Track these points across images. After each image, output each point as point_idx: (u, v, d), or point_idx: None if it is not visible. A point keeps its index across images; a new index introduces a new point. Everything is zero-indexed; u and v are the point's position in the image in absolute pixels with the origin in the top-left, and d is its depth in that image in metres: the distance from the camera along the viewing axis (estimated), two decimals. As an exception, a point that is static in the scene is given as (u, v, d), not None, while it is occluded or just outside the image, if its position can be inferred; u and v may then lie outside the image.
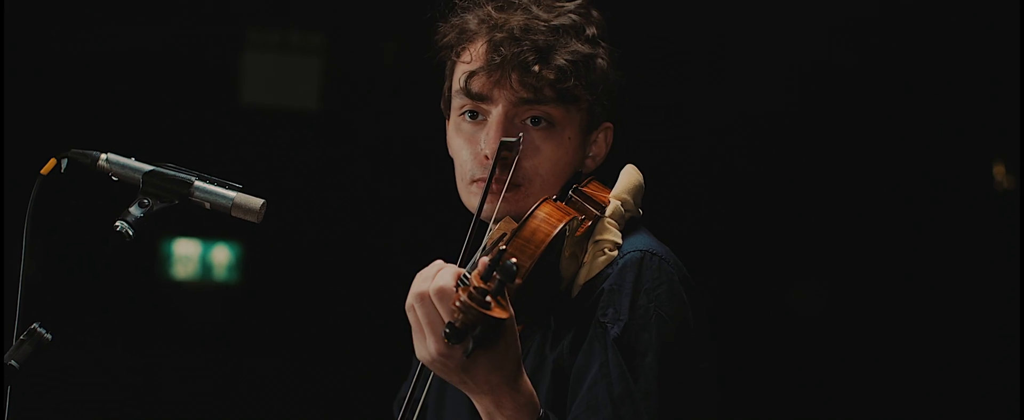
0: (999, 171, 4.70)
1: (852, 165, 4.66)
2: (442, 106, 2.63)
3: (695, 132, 4.74)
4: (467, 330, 2.04)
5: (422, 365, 2.31)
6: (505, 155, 2.41)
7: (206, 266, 5.30)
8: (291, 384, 5.22)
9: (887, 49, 4.53)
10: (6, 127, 4.80)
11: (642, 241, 2.40)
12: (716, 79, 4.74)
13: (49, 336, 2.23)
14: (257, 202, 2.39)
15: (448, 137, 2.62)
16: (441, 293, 2.10)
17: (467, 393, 2.22)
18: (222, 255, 5.30)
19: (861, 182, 4.66)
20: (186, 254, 5.28)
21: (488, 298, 2.02)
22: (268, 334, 5.22)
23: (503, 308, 2.04)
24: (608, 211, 2.42)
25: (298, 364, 5.25)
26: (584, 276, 2.37)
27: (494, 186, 2.43)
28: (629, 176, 2.50)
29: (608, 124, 2.57)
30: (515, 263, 2.01)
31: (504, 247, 2.08)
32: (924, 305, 4.67)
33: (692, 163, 4.77)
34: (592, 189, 2.47)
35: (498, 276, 2.02)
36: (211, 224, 5.15)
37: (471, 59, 2.48)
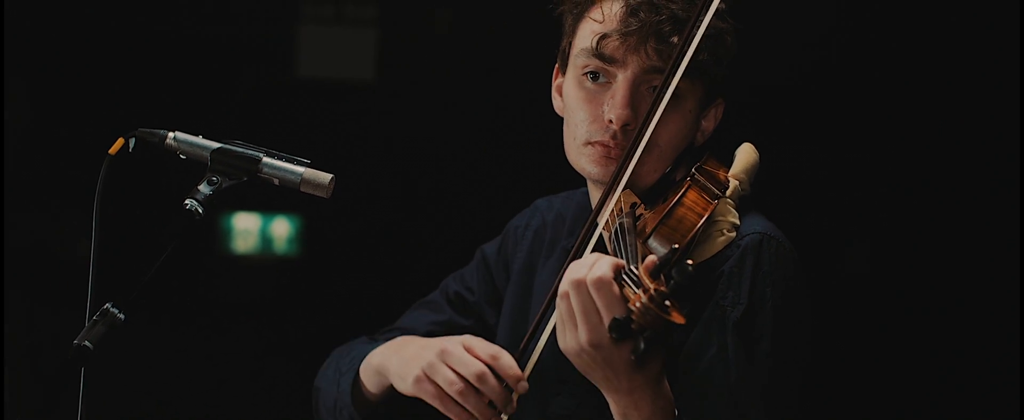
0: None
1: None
2: (558, 60, 2.60)
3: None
4: (640, 332, 2.01)
5: (526, 345, 2.29)
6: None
7: (266, 239, 5.30)
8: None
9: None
10: (71, 108, 4.82)
11: (760, 223, 2.39)
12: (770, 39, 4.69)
13: (122, 316, 2.23)
14: (326, 177, 2.39)
15: (561, 92, 2.58)
16: (599, 283, 2.07)
17: (605, 390, 2.19)
18: (282, 228, 5.31)
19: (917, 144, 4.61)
20: (246, 228, 5.29)
21: (667, 302, 1.99)
22: (329, 307, 5.22)
23: (680, 312, 2.01)
24: (728, 191, 2.40)
25: (358, 336, 5.25)
26: (699, 255, 2.35)
27: (614, 153, 2.41)
28: (747, 154, 2.48)
29: (721, 100, 2.55)
30: (691, 264, 1.98)
31: (677, 246, 2.06)
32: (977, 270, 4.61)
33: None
34: (711, 166, 2.45)
35: (675, 277, 1.99)
36: (270, 197, 5.16)
37: (603, 19, 2.45)
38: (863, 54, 4.55)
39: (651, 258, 2.06)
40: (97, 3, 4.88)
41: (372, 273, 5.19)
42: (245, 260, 5.30)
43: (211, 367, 5.15)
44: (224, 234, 5.27)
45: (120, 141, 2.35)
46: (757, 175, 2.49)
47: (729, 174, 2.43)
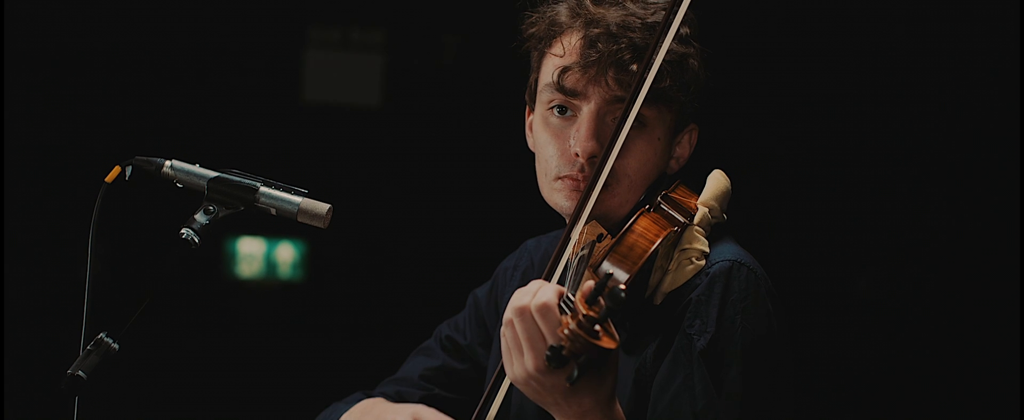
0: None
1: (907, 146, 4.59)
2: (526, 97, 2.58)
3: (742, 118, 4.68)
4: (572, 357, 2.00)
5: (491, 388, 2.28)
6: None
7: (271, 264, 5.30)
8: (358, 382, 5.21)
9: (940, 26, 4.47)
10: (68, 132, 4.82)
11: (730, 250, 2.36)
12: (761, 64, 4.68)
13: (116, 346, 2.22)
14: (323, 207, 2.37)
15: (531, 129, 2.57)
16: (544, 309, 2.05)
17: (558, 416, 2.18)
18: (286, 253, 5.30)
19: (926, 162, 4.59)
20: (250, 253, 5.28)
21: (597, 327, 1.99)
22: (333, 332, 5.21)
23: (611, 337, 2.00)
24: (696, 219, 2.37)
25: (363, 361, 5.24)
26: (669, 285, 2.32)
27: (583, 186, 2.39)
28: (717, 182, 2.45)
29: (693, 125, 2.53)
30: (622, 290, 1.97)
31: (610, 272, 2.04)
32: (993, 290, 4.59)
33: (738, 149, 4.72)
34: (680, 194, 2.42)
35: (605, 303, 1.98)
36: (274, 222, 5.15)
37: (564, 53, 2.43)
38: (871, 79, 4.54)
39: (587, 284, 2.04)
40: (100, 27, 4.89)
41: (376, 298, 5.18)
42: (249, 285, 5.29)
43: (215, 392, 5.14)
44: (228, 259, 5.26)
45: (117, 169, 2.34)
46: (732, 202, 2.47)
47: (698, 201, 2.41)
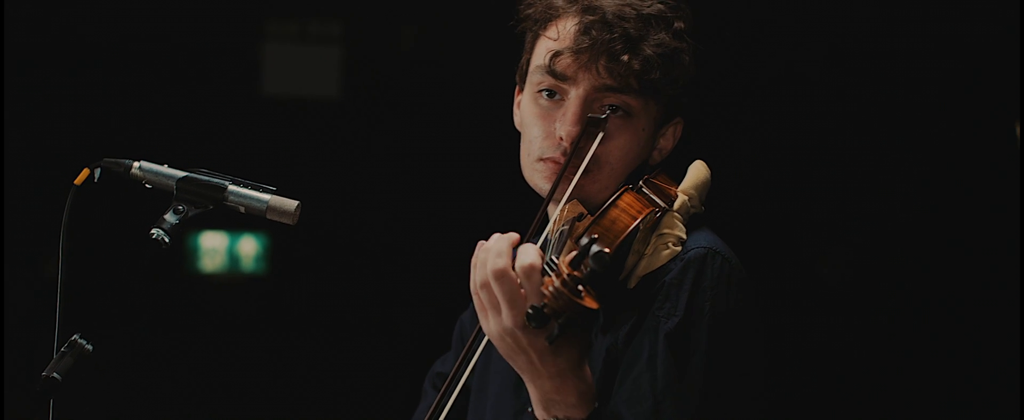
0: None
1: (874, 128, 4.63)
2: (517, 76, 2.60)
3: (715, 101, 4.72)
4: (554, 316, 2.03)
5: (469, 346, 2.31)
6: (590, 131, 2.39)
7: (234, 258, 5.30)
8: (322, 375, 5.22)
9: (913, 10, 4.50)
10: (30, 133, 4.80)
11: (707, 238, 2.39)
12: (730, 47, 4.71)
13: (90, 347, 2.24)
14: (292, 204, 2.39)
15: (518, 109, 2.59)
16: (529, 270, 2.09)
17: (527, 376, 2.21)
18: (249, 246, 5.30)
19: (887, 147, 4.63)
20: (213, 247, 5.28)
21: (580, 287, 2.02)
22: (297, 325, 5.22)
23: (593, 298, 2.03)
24: (676, 205, 2.40)
25: (328, 354, 5.25)
26: (644, 268, 2.35)
27: (563, 166, 2.42)
28: (698, 171, 2.48)
29: (679, 119, 2.55)
30: (607, 253, 2.01)
31: (595, 235, 2.07)
32: (955, 271, 4.64)
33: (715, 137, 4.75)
34: (661, 181, 2.45)
35: (591, 265, 2.01)
36: (237, 216, 5.15)
37: (558, 37, 2.45)
38: (846, 60, 4.57)
39: (571, 250, 2.08)
40: (55, 27, 4.87)
41: (340, 290, 5.19)
42: (213, 279, 5.29)
43: (180, 387, 5.14)
44: (191, 253, 5.26)
45: (86, 171, 2.35)
46: (710, 193, 2.49)
47: (678, 189, 2.44)
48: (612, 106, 2.43)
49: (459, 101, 4.88)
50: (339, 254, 5.22)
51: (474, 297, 2.16)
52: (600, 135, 2.39)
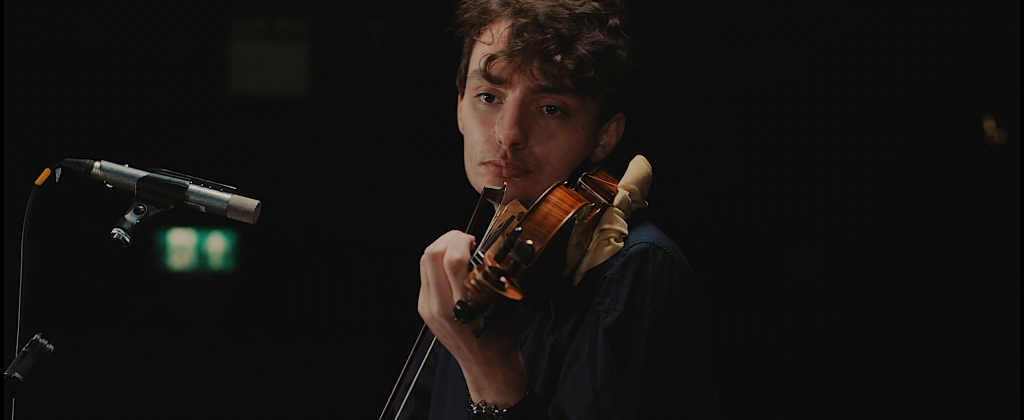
0: (989, 126, 4.71)
1: (842, 128, 4.66)
2: (457, 82, 2.61)
3: (683, 103, 4.74)
4: (479, 310, 2.04)
5: (417, 342, 2.34)
6: (488, 200, 2.41)
7: (202, 255, 5.30)
8: (290, 372, 5.24)
9: (878, 8, 4.54)
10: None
11: (649, 234, 2.39)
12: (699, 50, 4.73)
13: (51, 347, 2.24)
14: (252, 203, 2.39)
15: (460, 114, 2.61)
16: (455, 266, 2.10)
17: (458, 359, 2.23)
18: (218, 244, 5.31)
19: (852, 145, 4.67)
20: (182, 244, 5.28)
21: (503, 279, 2.03)
22: (265, 322, 5.23)
23: (516, 290, 2.04)
24: (616, 201, 2.41)
25: (297, 350, 5.26)
26: (587, 264, 2.36)
27: (506, 172, 2.43)
28: (638, 167, 2.49)
29: (620, 114, 2.56)
30: (531, 245, 2.02)
31: (519, 229, 2.09)
32: (921, 268, 4.68)
33: (682, 139, 4.78)
34: (601, 177, 2.46)
35: (513, 257, 2.03)
36: (205, 213, 5.14)
37: (492, 41, 2.46)
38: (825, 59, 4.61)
39: (497, 242, 2.09)
40: (18, 23, 4.86)
41: (308, 286, 5.21)
42: (182, 276, 5.30)
43: (149, 384, 5.14)
44: (160, 251, 5.26)
45: (47, 171, 2.35)
46: (653, 188, 2.50)
47: (619, 185, 2.45)
48: (550, 107, 2.44)
49: (427, 97, 4.89)
50: (308, 250, 5.23)
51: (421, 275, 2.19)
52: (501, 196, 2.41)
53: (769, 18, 4.62)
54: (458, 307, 2.04)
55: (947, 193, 4.59)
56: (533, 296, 2.31)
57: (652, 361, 2.28)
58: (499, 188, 2.40)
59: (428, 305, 2.15)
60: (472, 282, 2.03)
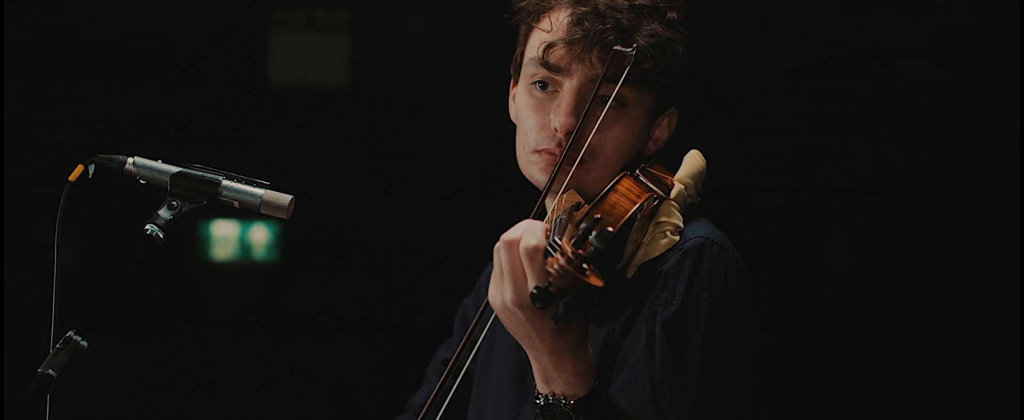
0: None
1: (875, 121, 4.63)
2: (511, 69, 2.61)
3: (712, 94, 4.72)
4: (559, 295, 2.04)
5: (472, 330, 2.33)
6: (612, 73, 2.38)
7: (245, 246, 5.31)
8: (332, 362, 5.24)
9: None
10: (36, 125, 4.80)
11: (704, 228, 2.40)
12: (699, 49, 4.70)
13: (85, 343, 2.25)
14: (285, 198, 2.40)
15: (513, 101, 2.61)
16: (531, 252, 2.11)
17: (528, 349, 2.23)
18: (260, 235, 5.31)
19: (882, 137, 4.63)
20: (225, 235, 5.30)
21: (585, 265, 2.03)
22: (309, 313, 5.23)
23: (598, 276, 2.04)
24: (673, 194, 2.41)
25: (339, 342, 5.27)
26: (642, 257, 2.37)
27: (557, 160, 2.43)
28: (693, 161, 2.49)
29: (674, 109, 2.56)
30: (611, 231, 2.02)
31: (598, 216, 2.09)
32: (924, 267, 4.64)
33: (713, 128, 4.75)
34: (657, 170, 2.47)
35: (594, 243, 2.02)
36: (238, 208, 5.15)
37: (551, 28, 2.47)
38: (849, 52, 4.57)
39: (572, 232, 2.09)
40: (60, 18, 4.88)
41: (351, 278, 5.21)
42: (224, 267, 5.31)
43: (192, 377, 5.16)
44: (203, 242, 5.27)
45: (80, 168, 2.36)
46: (705, 183, 2.50)
47: (675, 178, 2.45)
48: (606, 97, 2.44)
49: (467, 88, 4.88)
50: (349, 242, 5.23)
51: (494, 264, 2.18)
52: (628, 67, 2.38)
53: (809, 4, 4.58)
54: (535, 292, 2.04)
55: (947, 193, 4.55)
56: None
57: (709, 355, 2.29)
58: (630, 49, 2.35)
59: (500, 293, 2.14)
60: (555, 267, 2.02)
